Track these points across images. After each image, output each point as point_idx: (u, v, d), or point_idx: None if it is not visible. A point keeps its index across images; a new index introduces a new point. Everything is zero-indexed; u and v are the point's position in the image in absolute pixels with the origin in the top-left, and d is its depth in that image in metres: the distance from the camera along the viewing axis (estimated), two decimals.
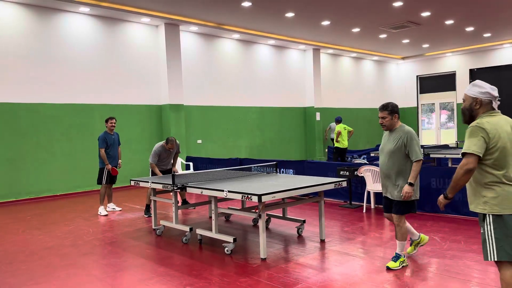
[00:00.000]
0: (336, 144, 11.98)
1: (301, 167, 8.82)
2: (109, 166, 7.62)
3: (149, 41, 11.71)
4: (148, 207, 7.41)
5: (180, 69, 11.93)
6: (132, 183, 6.32)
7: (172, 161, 7.48)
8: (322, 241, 5.34)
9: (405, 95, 20.41)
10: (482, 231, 2.87)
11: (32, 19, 9.61)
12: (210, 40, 13.15)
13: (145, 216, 7.35)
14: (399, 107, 20.44)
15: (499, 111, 2.97)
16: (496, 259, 2.77)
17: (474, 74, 18.18)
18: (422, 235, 4.62)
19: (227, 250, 4.93)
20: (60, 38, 10.05)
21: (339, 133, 11.82)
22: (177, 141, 7.44)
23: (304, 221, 5.74)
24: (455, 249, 4.82)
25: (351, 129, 12.23)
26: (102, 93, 10.76)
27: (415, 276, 4.02)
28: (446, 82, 19.11)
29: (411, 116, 20.05)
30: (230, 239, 4.96)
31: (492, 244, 2.79)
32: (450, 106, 19.21)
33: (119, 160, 7.92)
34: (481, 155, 2.78)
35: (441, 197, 3.04)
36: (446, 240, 5.17)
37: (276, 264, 4.52)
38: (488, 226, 2.83)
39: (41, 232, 6.41)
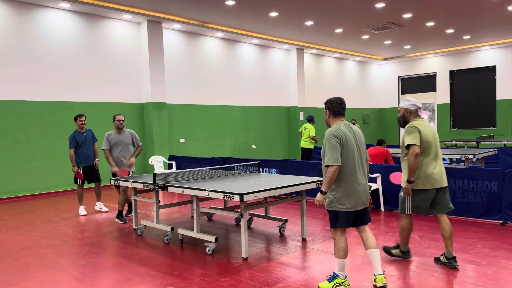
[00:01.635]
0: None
1: (284, 167, 8.84)
2: (75, 169, 7.29)
3: (131, 39, 11.57)
4: (120, 213, 6.80)
5: (163, 67, 11.82)
6: (112, 182, 6.23)
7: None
8: (304, 240, 5.36)
9: (386, 95, 20.67)
10: (401, 194, 4.32)
11: (10, 14, 9.38)
12: (193, 38, 13.07)
13: (119, 222, 6.75)
14: (381, 107, 20.80)
15: (424, 117, 4.34)
16: (410, 213, 4.29)
17: (454, 75, 18.54)
18: (347, 280, 3.74)
19: (208, 250, 4.91)
20: (39, 34, 9.84)
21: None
22: (133, 131, 7.05)
23: (286, 220, 5.75)
24: (434, 247, 4.90)
25: (312, 134, 11.60)
26: (83, 91, 10.58)
27: (394, 274, 4.06)
28: (427, 83, 19.43)
29: (393, 116, 20.32)
30: (211, 238, 4.93)
31: (409, 205, 4.26)
32: (431, 106, 19.53)
33: (96, 159, 7.63)
34: (419, 145, 4.11)
35: (406, 185, 4.17)
36: (425, 239, 5.25)
37: (258, 263, 4.51)
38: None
39: (18, 232, 6.26)
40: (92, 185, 9.23)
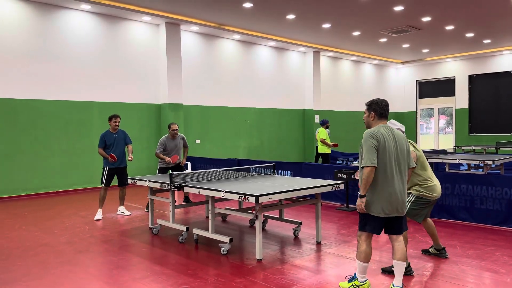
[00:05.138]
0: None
1: (299, 169, 8.83)
2: (109, 156, 6.90)
3: (149, 40, 11.71)
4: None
5: (180, 68, 11.93)
6: (130, 181, 6.32)
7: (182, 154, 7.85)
8: (318, 243, 5.35)
9: (404, 99, 20.45)
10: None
11: (32, 15, 9.60)
12: (210, 40, 13.16)
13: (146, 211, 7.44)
14: (398, 111, 20.58)
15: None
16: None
17: (473, 80, 18.24)
18: (368, 282, 3.73)
19: (223, 250, 4.93)
20: (61, 35, 10.05)
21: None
22: (182, 134, 7.76)
23: (300, 223, 5.74)
24: (451, 253, 4.83)
25: (322, 136, 11.48)
26: (101, 91, 10.75)
27: (410, 280, 4.02)
28: (445, 87, 19.16)
29: (410, 120, 20.09)
30: (226, 239, 4.96)
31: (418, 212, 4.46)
32: (448, 111, 19.26)
33: (129, 157, 7.06)
34: None
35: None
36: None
37: (272, 265, 4.52)
38: None
39: (37, 228, 6.39)
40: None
